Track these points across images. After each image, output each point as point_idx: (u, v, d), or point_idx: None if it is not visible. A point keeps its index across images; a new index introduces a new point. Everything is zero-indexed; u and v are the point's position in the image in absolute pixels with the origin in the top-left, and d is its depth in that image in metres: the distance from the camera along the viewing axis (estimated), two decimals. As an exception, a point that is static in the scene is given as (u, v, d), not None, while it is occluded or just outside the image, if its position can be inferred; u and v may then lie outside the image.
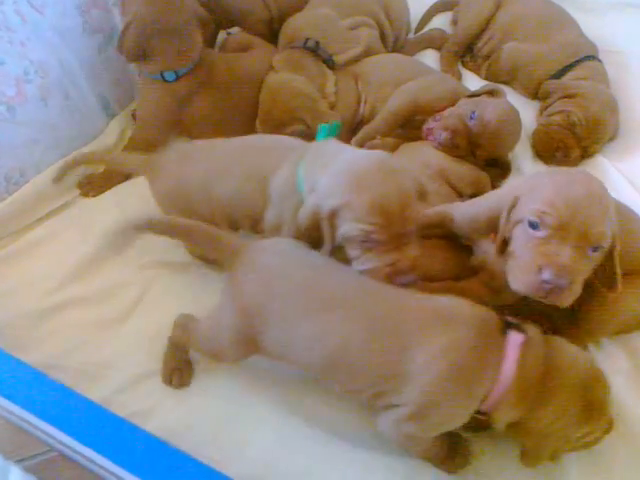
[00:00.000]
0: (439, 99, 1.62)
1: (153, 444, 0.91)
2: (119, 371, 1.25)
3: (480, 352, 0.93)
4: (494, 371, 0.92)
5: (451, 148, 1.47)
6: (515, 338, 0.94)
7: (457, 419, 0.97)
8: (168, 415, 1.18)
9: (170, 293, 1.39)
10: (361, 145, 1.60)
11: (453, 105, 1.58)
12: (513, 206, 1.01)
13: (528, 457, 1.02)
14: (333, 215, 1.02)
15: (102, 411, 0.94)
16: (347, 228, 1.01)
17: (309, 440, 1.14)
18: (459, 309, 0.97)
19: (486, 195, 1.24)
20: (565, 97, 1.67)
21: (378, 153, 1.12)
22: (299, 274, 1.04)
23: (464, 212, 1.19)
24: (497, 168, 1.59)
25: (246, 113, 1.68)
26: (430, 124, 1.53)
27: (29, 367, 1.02)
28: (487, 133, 1.47)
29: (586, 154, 1.64)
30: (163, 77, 1.59)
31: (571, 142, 1.60)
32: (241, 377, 1.23)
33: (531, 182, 1.02)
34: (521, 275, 0.96)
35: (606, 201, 0.96)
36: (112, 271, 1.43)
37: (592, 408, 0.95)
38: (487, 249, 1.13)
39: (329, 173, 1.06)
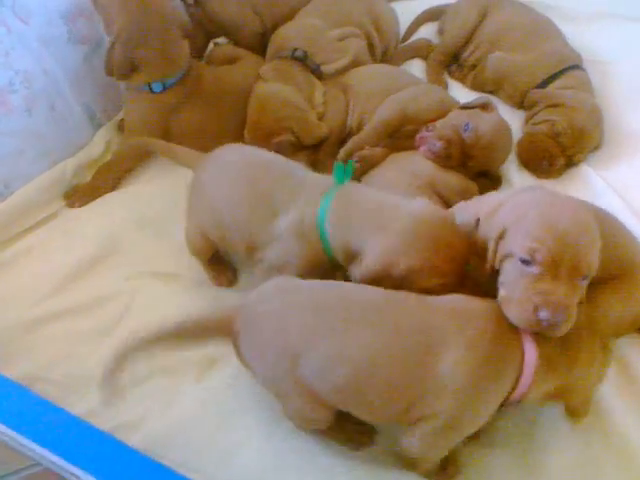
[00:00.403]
0: (428, 109, 1.63)
1: (137, 459, 0.90)
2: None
3: (501, 339, 0.96)
4: (517, 355, 0.95)
5: (444, 158, 1.48)
6: None
7: (487, 413, 0.98)
8: (155, 426, 1.18)
9: (156, 305, 1.37)
10: (349, 155, 1.60)
11: (442, 115, 1.58)
12: (500, 238, 1.01)
13: (579, 411, 1.06)
14: (411, 273, 1.07)
15: (85, 426, 0.93)
16: (425, 282, 1.08)
17: (296, 451, 1.14)
18: (469, 304, 1.01)
19: (466, 205, 1.24)
20: (550, 106, 1.68)
21: (432, 209, 1.15)
22: (307, 300, 1.05)
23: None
24: (487, 180, 1.60)
25: (235, 124, 1.68)
26: (423, 133, 1.53)
27: (10, 381, 1.01)
28: (480, 145, 1.48)
29: (571, 163, 1.65)
30: (150, 88, 1.59)
31: (556, 151, 1.61)
32: (227, 387, 1.23)
33: (517, 212, 1.01)
34: (517, 312, 0.96)
35: (593, 228, 0.97)
36: (98, 282, 1.42)
37: (603, 342, 1.02)
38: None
39: (393, 233, 1.09)
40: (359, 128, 1.68)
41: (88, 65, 1.72)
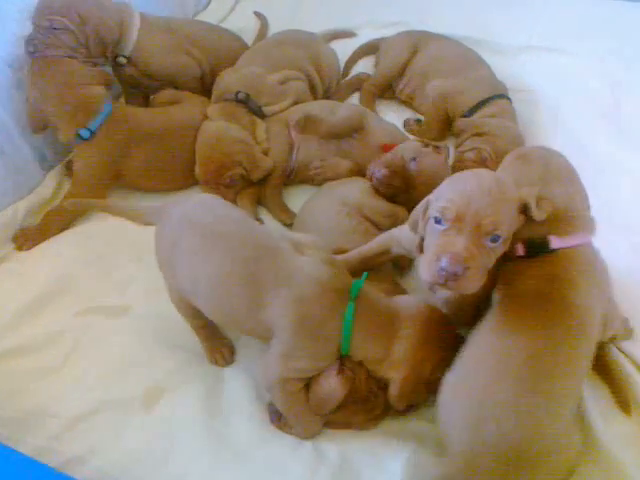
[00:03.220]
0: (382, 131, 1.77)
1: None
2: (54, 417, 1.27)
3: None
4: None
5: (385, 185, 1.55)
6: None
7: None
8: (105, 458, 1.21)
9: (104, 338, 1.42)
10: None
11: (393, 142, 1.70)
12: (426, 208, 1.12)
13: None
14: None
15: (32, 463, 0.94)
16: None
17: (244, 475, 1.19)
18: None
19: None
20: (476, 135, 1.79)
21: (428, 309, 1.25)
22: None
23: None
24: None
25: (184, 159, 1.75)
26: (374, 162, 1.60)
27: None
28: (420, 180, 1.54)
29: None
30: (81, 137, 1.64)
31: (484, 176, 1.71)
32: (175, 417, 1.28)
33: (440, 186, 1.14)
34: (425, 265, 1.06)
35: (498, 193, 1.05)
36: (48, 320, 1.46)
37: None
38: None
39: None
40: (305, 162, 1.77)
41: (37, 110, 1.77)
